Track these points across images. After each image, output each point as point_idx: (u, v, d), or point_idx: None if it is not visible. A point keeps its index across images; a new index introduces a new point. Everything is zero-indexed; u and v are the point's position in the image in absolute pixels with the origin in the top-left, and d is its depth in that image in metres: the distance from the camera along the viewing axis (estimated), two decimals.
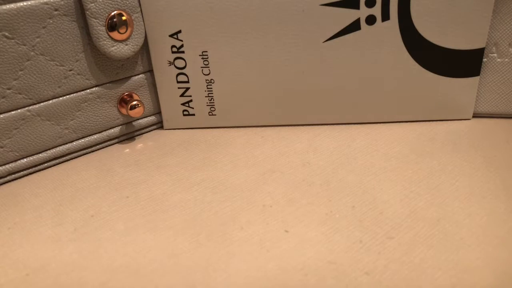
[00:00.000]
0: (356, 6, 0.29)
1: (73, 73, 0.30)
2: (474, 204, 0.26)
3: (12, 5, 0.27)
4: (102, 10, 0.29)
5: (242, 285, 0.22)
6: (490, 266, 0.22)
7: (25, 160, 0.30)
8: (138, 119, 0.34)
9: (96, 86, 0.31)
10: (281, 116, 0.34)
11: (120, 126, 0.34)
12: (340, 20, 0.30)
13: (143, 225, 0.26)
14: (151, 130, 0.36)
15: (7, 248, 0.25)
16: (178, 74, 0.33)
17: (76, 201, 0.28)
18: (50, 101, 0.30)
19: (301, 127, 0.34)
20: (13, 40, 0.27)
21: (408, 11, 0.30)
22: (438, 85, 0.32)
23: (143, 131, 0.35)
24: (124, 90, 0.33)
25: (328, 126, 0.34)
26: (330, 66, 0.31)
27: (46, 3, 0.27)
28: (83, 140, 0.32)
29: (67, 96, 0.31)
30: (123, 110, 0.33)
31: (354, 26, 0.30)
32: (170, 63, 0.32)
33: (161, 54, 0.32)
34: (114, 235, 0.25)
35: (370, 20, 0.30)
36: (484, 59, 0.32)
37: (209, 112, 0.34)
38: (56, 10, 0.28)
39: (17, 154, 0.30)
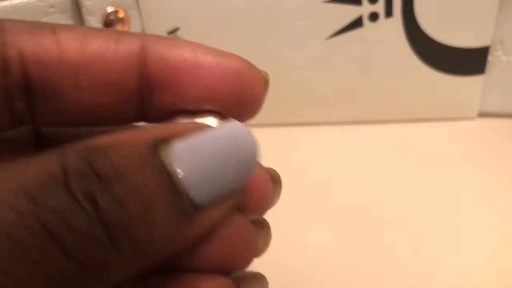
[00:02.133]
0: (359, 3, 0.29)
1: None
2: (478, 205, 0.26)
3: (7, 2, 0.26)
4: (98, 7, 0.28)
5: None
6: (494, 267, 0.22)
7: None
8: None
9: None
10: (281, 115, 0.33)
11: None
12: (342, 17, 0.30)
13: None
14: None
15: None
16: None
17: None
18: None
19: (302, 126, 0.33)
20: None
21: (412, 8, 0.29)
22: (442, 83, 0.32)
23: None
24: None
25: (330, 125, 0.33)
26: (332, 64, 0.31)
27: (41, 0, 0.27)
28: None
29: None
30: None
31: (356, 23, 0.30)
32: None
33: None
34: None
35: (373, 16, 0.30)
36: (489, 57, 0.31)
37: None
38: (52, 7, 0.28)
39: None
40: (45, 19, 0.27)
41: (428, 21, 0.30)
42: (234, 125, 0.12)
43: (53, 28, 0.13)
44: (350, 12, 0.30)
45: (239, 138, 0.12)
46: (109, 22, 0.29)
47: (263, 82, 0.15)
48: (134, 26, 0.30)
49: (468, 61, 0.31)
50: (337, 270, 0.22)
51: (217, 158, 0.12)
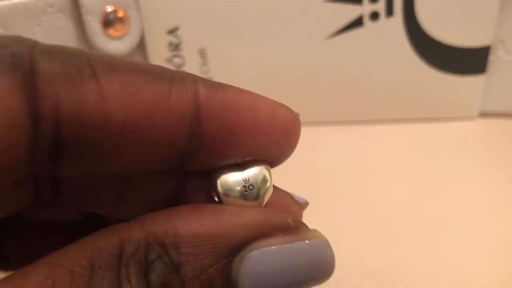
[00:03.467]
0: (359, 2, 0.29)
1: None
2: (479, 206, 0.25)
3: (6, 2, 0.26)
4: (97, 6, 0.28)
5: None
6: (496, 269, 0.22)
7: None
8: None
9: None
10: None
11: None
12: (343, 16, 0.30)
13: None
14: None
15: None
16: None
17: None
18: None
19: (302, 126, 0.33)
20: None
21: (413, 7, 0.29)
22: (443, 83, 0.32)
23: None
24: None
25: (330, 125, 0.33)
26: (332, 63, 0.31)
27: (40, 0, 0.27)
28: None
29: None
30: None
31: (357, 23, 0.30)
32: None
33: (158, 51, 0.31)
34: None
35: (374, 16, 0.30)
36: (491, 57, 0.31)
37: None
38: (50, 6, 0.27)
39: None
40: (44, 18, 0.27)
41: (429, 21, 0.29)
42: (320, 246, 0.12)
43: (94, 72, 0.11)
44: (350, 12, 0.29)
45: (321, 263, 0.12)
46: (108, 22, 0.29)
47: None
48: (134, 26, 0.30)
49: (469, 61, 0.31)
50: (338, 270, 0.22)
51: (290, 279, 0.11)
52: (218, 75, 0.32)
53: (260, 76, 0.32)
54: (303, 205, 0.15)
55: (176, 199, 0.14)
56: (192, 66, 0.32)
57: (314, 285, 0.12)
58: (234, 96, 0.12)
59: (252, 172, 0.13)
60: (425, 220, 0.25)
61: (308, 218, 0.25)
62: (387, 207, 0.26)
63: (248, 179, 0.13)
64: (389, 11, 0.29)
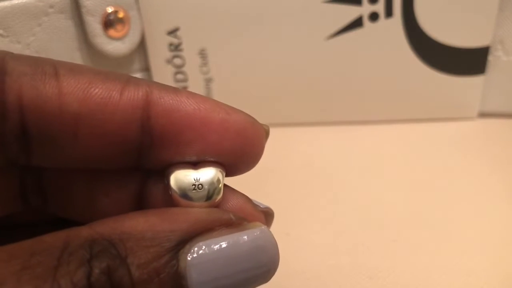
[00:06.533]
0: (359, 3, 0.29)
1: None
2: (479, 206, 0.25)
3: (7, 3, 0.26)
4: (98, 7, 0.28)
5: None
6: (496, 269, 0.22)
7: None
8: None
9: None
10: (281, 115, 0.33)
11: None
12: (342, 17, 0.30)
13: None
14: None
15: None
16: (176, 73, 0.32)
17: None
18: None
19: (303, 126, 0.33)
20: (7, 38, 0.27)
21: (412, 8, 0.29)
22: (442, 83, 0.32)
23: None
24: None
25: (330, 125, 0.33)
26: (332, 64, 0.31)
27: (41, 0, 0.27)
28: None
29: None
30: None
31: (356, 23, 0.30)
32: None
33: (158, 52, 0.32)
34: None
35: (373, 17, 0.30)
36: (490, 57, 0.31)
37: None
38: (51, 7, 0.27)
39: None
40: (45, 19, 0.27)
41: (428, 21, 0.29)
42: (262, 233, 0.13)
43: (56, 72, 0.13)
44: (350, 12, 0.29)
45: (263, 249, 0.13)
46: (109, 22, 0.29)
47: (265, 136, 0.15)
48: (134, 27, 0.30)
49: (468, 61, 0.31)
50: (338, 271, 0.22)
51: (235, 268, 0.12)
52: (218, 75, 0.32)
53: (260, 77, 0.32)
54: (267, 211, 0.16)
55: (140, 201, 0.15)
56: (192, 67, 0.32)
57: (263, 276, 0.13)
58: (186, 97, 0.14)
59: (204, 173, 0.14)
60: (424, 220, 0.25)
61: (308, 218, 0.25)
62: (387, 207, 0.26)
63: (199, 179, 0.14)
64: (389, 12, 0.29)
